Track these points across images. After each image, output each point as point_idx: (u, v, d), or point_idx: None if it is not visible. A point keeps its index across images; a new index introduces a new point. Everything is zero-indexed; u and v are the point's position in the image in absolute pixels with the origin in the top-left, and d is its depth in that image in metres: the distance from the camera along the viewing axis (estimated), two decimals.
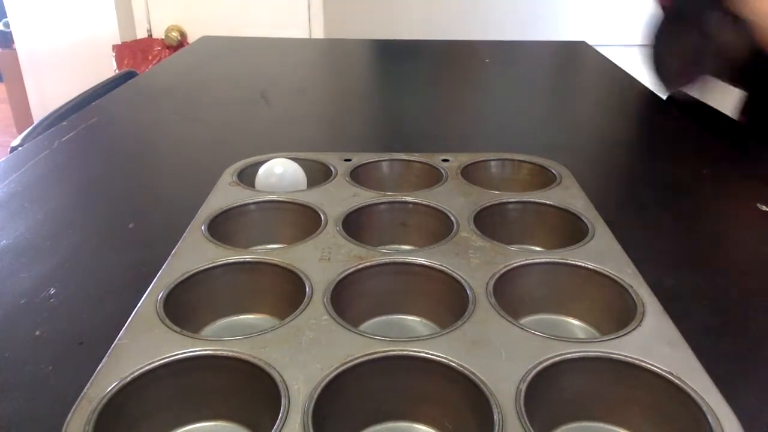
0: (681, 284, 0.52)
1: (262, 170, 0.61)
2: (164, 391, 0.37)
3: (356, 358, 0.37)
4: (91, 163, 0.77)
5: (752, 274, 0.54)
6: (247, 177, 0.63)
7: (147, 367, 0.37)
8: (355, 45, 1.40)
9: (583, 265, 0.48)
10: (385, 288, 0.47)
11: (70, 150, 0.79)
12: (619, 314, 0.44)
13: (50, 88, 2.42)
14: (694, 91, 0.95)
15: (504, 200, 0.58)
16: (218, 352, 0.38)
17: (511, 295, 0.46)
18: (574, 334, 0.46)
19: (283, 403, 0.34)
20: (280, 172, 0.60)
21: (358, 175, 0.63)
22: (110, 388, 0.35)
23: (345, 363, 0.37)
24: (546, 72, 1.29)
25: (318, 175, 0.64)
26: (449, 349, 0.38)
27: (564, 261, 0.48)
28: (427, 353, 0.38)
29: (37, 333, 0.45)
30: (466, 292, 0.44)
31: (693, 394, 0.35)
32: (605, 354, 0.38)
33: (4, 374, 0.41)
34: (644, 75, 1.26)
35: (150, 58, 2.15)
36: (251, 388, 0.37)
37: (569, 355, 0.38)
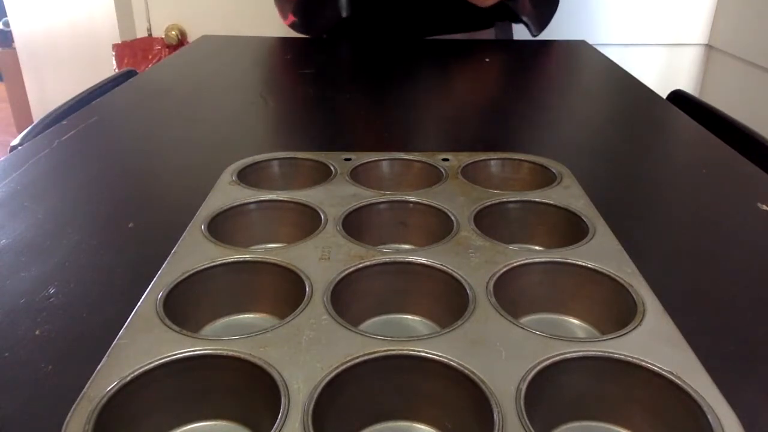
0: (681, 284, 0.52)
1: None
2: (164, 391, 0.37)
3: (356, 358, 0.37)
4: (90, 162, 0.77)
5: (752, 274, 0.54)
6: (247, 177, 0.63)
7: (147, 367, 0.37)
8: (355, 44, 1.40)
9: (583, 264, 0.48)
10: (385, 287, 0.47)
11: (70, 149, 0.79)
12: (619, 314, 0.44)
13: (50, 88, 2.42)
14: None
15: (504, 199, 0.58)
16: (218, 352, 0.38)
17: (512, 294, 0.46)
18: (574, 334, 0.46)
19: (283, 402, 0.34)
20: None
21: (358, 175, 0.63)
22: (110, 388, 0.35)
23: (345, 362, 0.37)
24: (546, 71, 1.29)
25: (318, 174, 0.64)
26: (449, 348, 0.38)
27: (564, 260, 0.48)
28: (427, 353, 0.38)
29: (36, 332, 0.45)
30: (466, 292, 0.44)
31: (693, 394, 0.35)
32: (605, 354, 0.38)
33: (3, 374, 0.41)
34: (644, 75, 1.26)
35: (150, 57, 2.15)
36: (251, 388, 0.37)
37: (569, 355, 0.38)
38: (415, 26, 1.36)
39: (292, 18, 1.33)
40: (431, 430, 0.38)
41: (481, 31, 1.41)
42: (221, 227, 0.54)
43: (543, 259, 0.48)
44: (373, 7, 1.31)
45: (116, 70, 2.02)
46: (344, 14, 1.25)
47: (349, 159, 0.66)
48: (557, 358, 0.38)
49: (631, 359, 0.38)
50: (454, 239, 0.51)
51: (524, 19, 1.30)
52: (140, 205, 0.66)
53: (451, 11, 1.30)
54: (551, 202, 0.58)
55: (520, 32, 1.45)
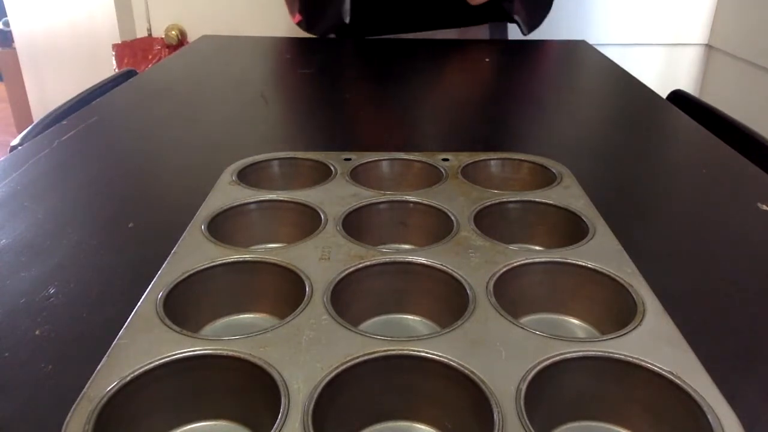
0: (681, 284, 0.52)
1: None
2: (164, 391, 0.37)
3: (356, 358, 0.37)
4: (90, 162, 0.77)
5: (752, 274, 0.54)
6: (247, 177, 0.63)
7: (147, 367, 0.37)
8: (355, 44, 1.40)
9: (583, 264, 0.48)
10: (385, 287, 0.47)
11: (70, 149, 0.79)
12: (619, 314, 0.44)
13: (50, 88, 2.42)
14: None
15: (504, 199, 0.58)
16: (218, 352, 0.38)
17: (511, 294, 0.46)
18: (574, 334, 0.46)
19: (283, 402, 0.34)
20: None
21: (358, 175, 0.63)
22: (110, 388, 0.35)
23: (345, 362, 0.37)
24: (546, 72, 1.29)
25: (318, 174, 0.64)
26: (449, 348, 0.38)
27: (564, 260, 0.48)
28: (427, 353, 0.38)
29: (36, 332, 0.45)
30: (466, 292, 0.44)
31: (693, 394, 0.35)
32: (605, 354, 0.38)
33: (3, 374, 0.41)
34: (644, 74, 1.26)
35: (150, 57, 2.15)
36: (251, 388, 0.37)
37: (569, 355, 0.38)
38: (410, 21, 1.37)
39: (299, 17, 1.35)
40: (431, 430, 0.38)
41: (476, 31, 1.41)
42: (221, 227, 0.54)
43: (543, 259, 0.48)
44: (371, 3, 1.32)
45: (116, 70, 2.02)
46: (346, 20, 1.26)
47: (349, 159, 0.66)
48: (557, 358, 0.38)
49: (631, 359, 0.38)
50: (454, 239, 0.51)
51: (516, 18, 1.32)
52: (140, 205, 0.66)
53: (444, 6, 1.32)
54: (551, 202, 0.58)
55: (518, 31, 1.45)
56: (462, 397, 0.37)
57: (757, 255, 0.57)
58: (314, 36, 1.42)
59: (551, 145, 0.84)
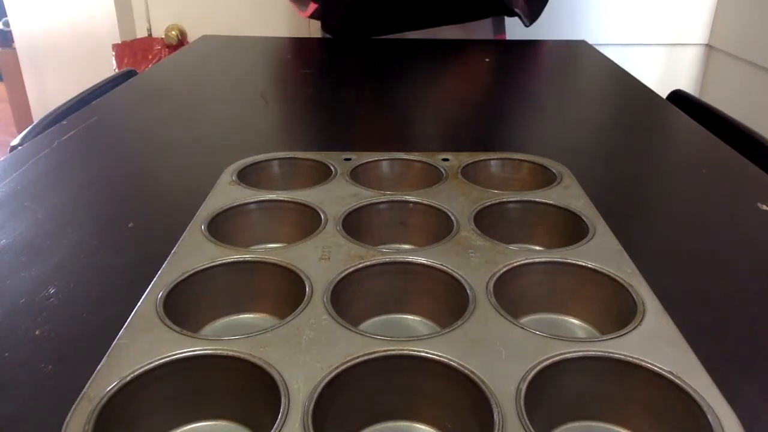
0: (681, 284, 0.52)
1: None
2: (164, 391, 0.37)
3: (356, 358, 0.37)
4: (90, 162, 0.77)
5: (752, 274, 0.54)
6: (247, 177, 0.63)
7: (147, 367, 0.37)
8: (355, 44, 1.40)
9: (583, 264, 0.48)
10: (385, 287, 0.47)
11: (70, 149, 0.79)
12: (619, 314, 0.44)
13: (50, 88, 2.42)
14: None
15: (504, 199, 0.58)
16: (218, 352, 0.38)
17: (511, 294, 0.46)
18: (574, 334, 0.46)
19: (283, 402, 0.34)
20: None
21: (358, 175, 0.63)
22: (110, 388, 0.35)
23: (345, 362, 0.37)
24: (546, 72, 1.29)
25: (318, 174, 0.64)
26: (449, 348, 0.38)
27: (564, 260, 0.48)
28: (426, 353, 0.38)
29: (36, 332, 0.45)
30: (466, 292, 0.44)
31: (693, 394, 0.35)
32: (605, 354, 0.38)
33: (3, 374, 0.41)
34: (644, 75, 1.26)
35: (150, 57, 2.15)
36: (251, 388, 0.37)
37: (569, 355, 0.38)
38: (413, 18, 1.37)
39: (313, 7, 1.34)
40: (431, 430, 0.38)
41: (478, 28, 1.42)
42: (221, 227, 0.54)
43: (543, 259, 0.48)
44: (375, 1, 1.32)
45: (116, 70, 2.02)
46: None
47: (349, 159, 0.66)
48: (557, 358, 0.38)
49: (631, 359, 0.38)
50: (454, 239, 0.51)
51: (517, 11, 1.32)
52: (140, 205, 0.66)
53: (445, 2, 1.32)
54: (551, 202, 0.58)
55: (517, 32, 1.45)
56: (462, 397, 0.37)
57: (757, 255, 0.57)
58: (316, 37, 1.42)
59: (551, 145, 0.84)
